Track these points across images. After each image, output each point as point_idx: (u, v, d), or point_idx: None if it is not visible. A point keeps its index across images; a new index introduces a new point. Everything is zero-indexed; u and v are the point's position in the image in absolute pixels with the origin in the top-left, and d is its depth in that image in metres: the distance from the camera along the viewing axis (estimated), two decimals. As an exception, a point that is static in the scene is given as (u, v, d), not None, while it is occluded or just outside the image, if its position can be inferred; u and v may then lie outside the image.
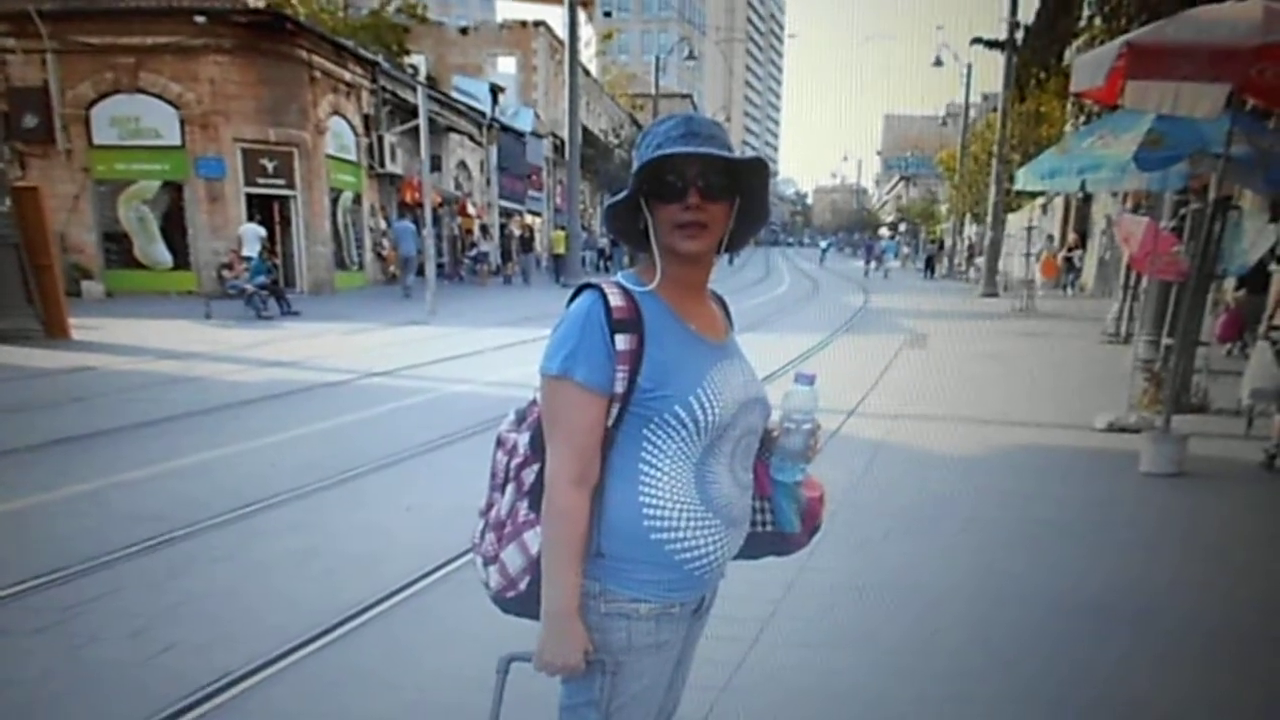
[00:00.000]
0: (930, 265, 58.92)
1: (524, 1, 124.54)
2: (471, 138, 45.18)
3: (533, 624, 2.40)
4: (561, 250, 40.86)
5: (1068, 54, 28.92)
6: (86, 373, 14.93)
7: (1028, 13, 37.03)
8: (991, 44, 37.47)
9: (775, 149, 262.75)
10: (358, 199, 34.91)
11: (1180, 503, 8.44)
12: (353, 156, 34.18)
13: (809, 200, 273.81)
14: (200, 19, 27.71)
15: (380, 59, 36.25)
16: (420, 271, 28.46)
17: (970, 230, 63.77)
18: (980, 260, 43.39)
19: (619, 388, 2.30)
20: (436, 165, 37.55)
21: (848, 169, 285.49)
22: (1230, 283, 16.63)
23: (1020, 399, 13.86)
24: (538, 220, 56.18)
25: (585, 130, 50.61)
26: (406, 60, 46.42)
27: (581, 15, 45.79)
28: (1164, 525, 7.77)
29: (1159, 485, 8.96)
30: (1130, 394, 11.92)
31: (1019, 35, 36.41)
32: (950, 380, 15.65)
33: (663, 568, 2.37)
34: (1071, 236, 39.56)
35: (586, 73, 66.27)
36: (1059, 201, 42.97)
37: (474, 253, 41.22)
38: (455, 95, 44.78)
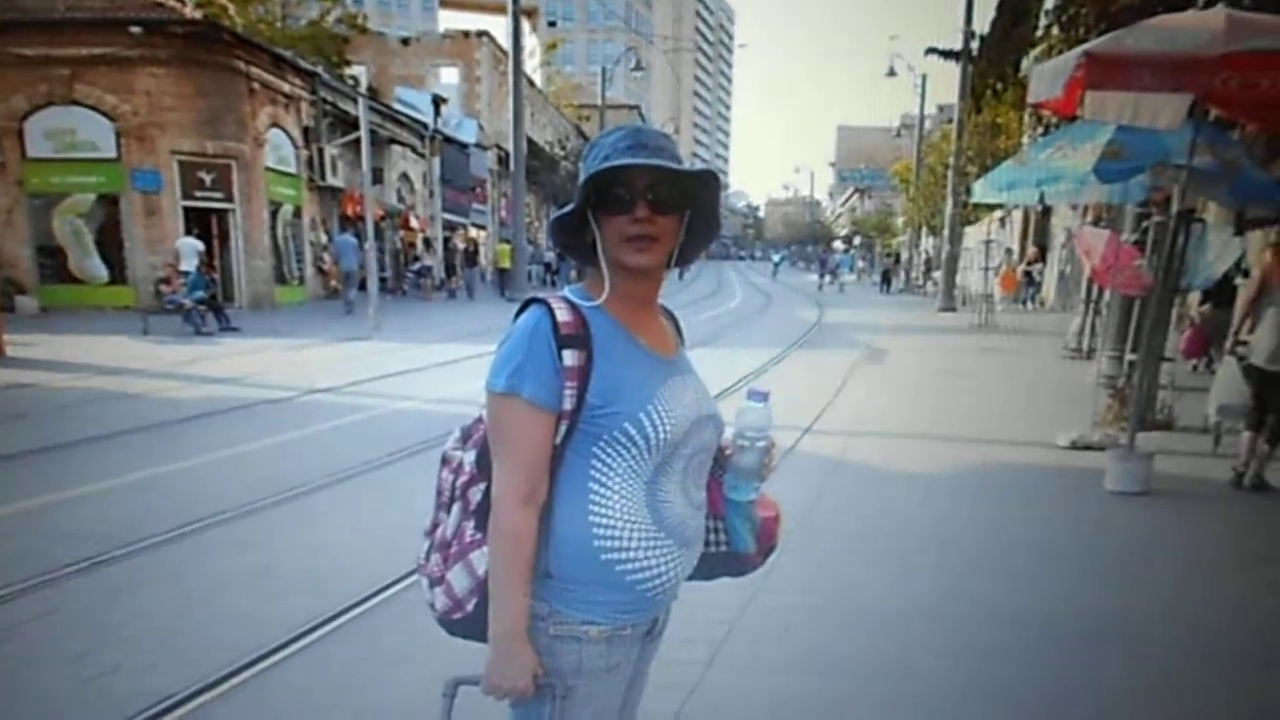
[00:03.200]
0: (886, 279, 59.02)
1: (466, 11, 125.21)
2: (414, 150, 45.14)
3: (481, 646, 2.39)
4: (507, 264, 40.75)
5: (1024, 64, 29.06)
6: (21, 390, 14.79)
7: (983, 22, 37.15)
8: (946, 54, 37.48)
9: (726, 161, 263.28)
10: (298, 212, 34.73)
11: (1147, 521, 8.48)
12: (292, 169, 34.05)
13: (761, 213, 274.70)
14: (136, 30, 27.53)
15: (320, 70, 36.24)
16: (362, 286, 28.27)
17: (927, 244, 64.27)
18: (938, 274, 43.55)
19: (567, 404, 2.30)
20: (378, 178, 37.32)
21: (800, 181, 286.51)
22: (1195, 297, 16.75)
23: (981, 416, 13.90)
24: (482, 234, 55.94)
25: (530, 142, 50.71)
26: (347, 71, 46.49)
27: (525, 25, 45.88)
28: (1130, 544, 7.80)
29: (1124, 504, 9.01)
30: (1094, 411, 12.01)
31: (974, 45, 36.49)
32: (909, 396, 15.73)
33: (614, 589, 2.36)
34: (1031, 250, 39.88)
35: (531, 83, 66.24)
36: (1018, 214, 43.32)
37: (417, 267, 41.25)
38: (397, 106, 44.75)
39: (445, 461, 2.60)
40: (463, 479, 2.51)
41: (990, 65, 34.47)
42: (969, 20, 36.72)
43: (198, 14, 32.10)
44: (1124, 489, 9.24)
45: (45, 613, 5.95)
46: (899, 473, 10.34)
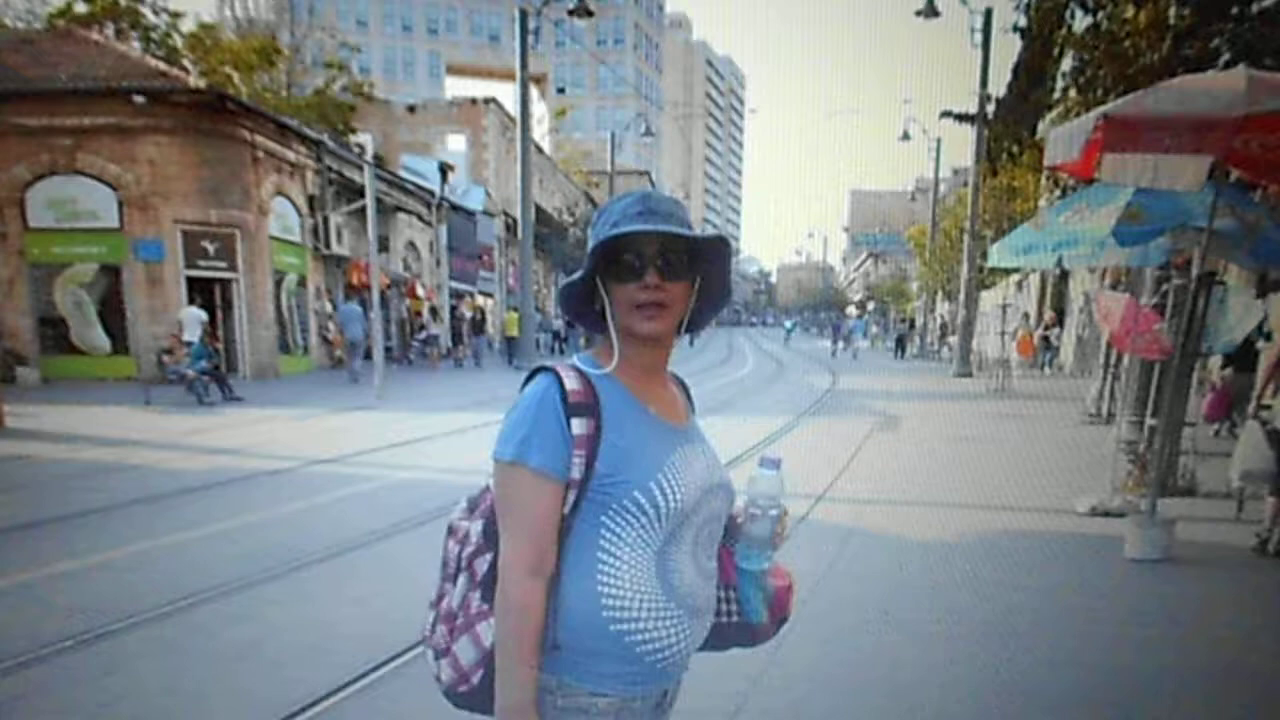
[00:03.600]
0: (901, 345, 59.05)
1: (474, 78, 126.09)
2: (420, 217, 45.25)
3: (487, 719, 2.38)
4: (515, 332, 40.69)
5: (1041, 126, 29.14)
6: (21, 461, 14.81)
7: (999, 85, 37.19)
8: (961, 117, 37.27)
9: (737, 226, 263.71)
10: (302, 281, 34.79)
11: (1168, 589, 8.42)
12: (297, 238, 34.15)
13: (773, 278, 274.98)
14: (140, 99, 27.64)
15: (325, 138, 36.32)
16: (368, 355, 28.36)
17: (942, 308, 64.19)
18: (953, 339, 43.50)
19: (575, 474, 2.31)
20: (384, 246, 37.57)
21: (813, 246, 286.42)
22: (1216, 360, 16.69)
23: (998, 482, 13.84)
24: (490, 301, 56.11)
25: (538, 208, 50.75)
26: (353, 139, 46.53)
27: (534, 91, 46.10)
28: (1151, 613, 7.75)
29: (1145, 571, 8.94)
30: (1113, 476, 11.94)
31: (990, 108, 36.32)
32: (924, 464, 15.68)
33: (623, 660, 2.35)
34: (1048, 314, 39.78)
35: (539, 150, 66.39)
36: (1035, 278, 43.26)
37: (423, 335, 41.15)
38: (403, 174, 44.97)
39: (451, 532, 2.59)
40: (469, 549, 2.51)
41: (1006, 128, 34.54)
42: (984, 83, 36.40)
43: (202, 83, 32.33)
44: (1145, 556, 9.17)
45: (38, 688, 5.92)
46: (914, 541, 10.29)
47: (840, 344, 59.46)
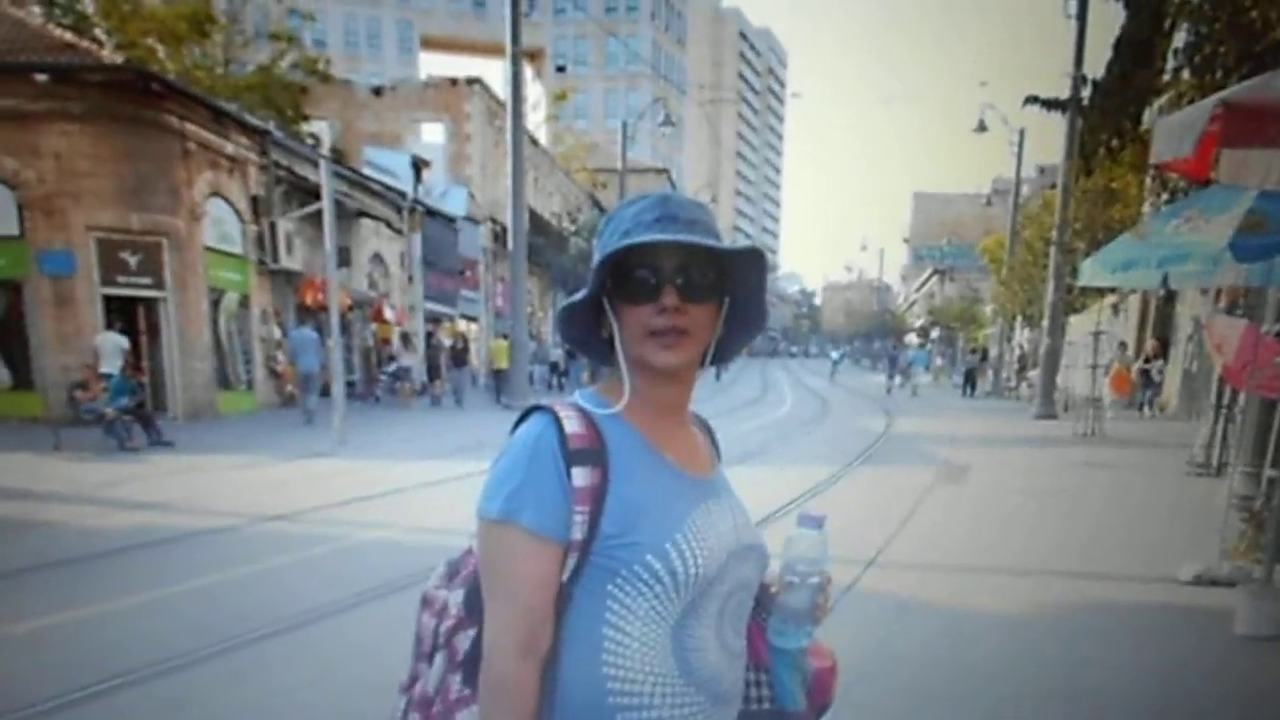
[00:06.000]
0: (970, 380, 58.87)
1: (454, 54, 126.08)
2: (389, 224, 45.06)
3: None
4: (503, 364, 40.61)
5: (1147, 115, 29.00)
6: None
7: (1096, 64, 36.88)
8: (1050, 104, 37.04)
9: (775, 236, 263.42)
10: (245, 301, 34.62)
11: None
12: (238, 248, 33.84)
13: (817, 300, 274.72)
14: (41, 78, 26.93)
15: (272, 127, 36.15)
16: (325, 391, 28.35)
17: (1021, 336, 64.02)
18: (1034, 374, 43.39)
19: (577, 534, 2.28)
20: (345, 259, 37.46)
21: (866, 261, 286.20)
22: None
23: (1084, 545, 13.77)
24: (473, 327, 56.15)
25: (533, 214, 50.87)
26: (306, 128, 46.56)
27: (528, 70, 46.03)
28: (1265, 700, 7.75)
29: (1260, 650, 8.92)
30: (1223, 538, 11.91)
31: (1085, 92, 36.08)
32: (995, 523, 15.67)
33: (633, 757, 2.32)
34: (1150, 344, 39.49)
35: (535, 142, 66.48)
36: (1134, 300, 42.98)
37: (393, 367, 41.04)
38: (368, 171, 44.92)
39: (427, 603, 2.59)
40: (448, 624, 2.49)
41: (1104, 117, 34.20)
42: (1079, 63, 36.22)
43: (119, 58, 31.74)
44: (1259, 632, 9.13)
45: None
46: (982, 614, 10.30)
47: (897, 379, 59.38)
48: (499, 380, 41.79)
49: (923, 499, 17.49)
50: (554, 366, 51.65)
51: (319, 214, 27.34)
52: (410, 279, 48.38)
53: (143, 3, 47.77)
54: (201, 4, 48.76)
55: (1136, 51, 28.88)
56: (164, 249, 29.69)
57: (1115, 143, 33.83)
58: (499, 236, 55.47)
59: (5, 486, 17.30)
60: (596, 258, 2.37)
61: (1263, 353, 10.61)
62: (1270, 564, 9.44)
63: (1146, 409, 37.44)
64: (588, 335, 2.48)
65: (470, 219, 54.97)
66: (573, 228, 65.40)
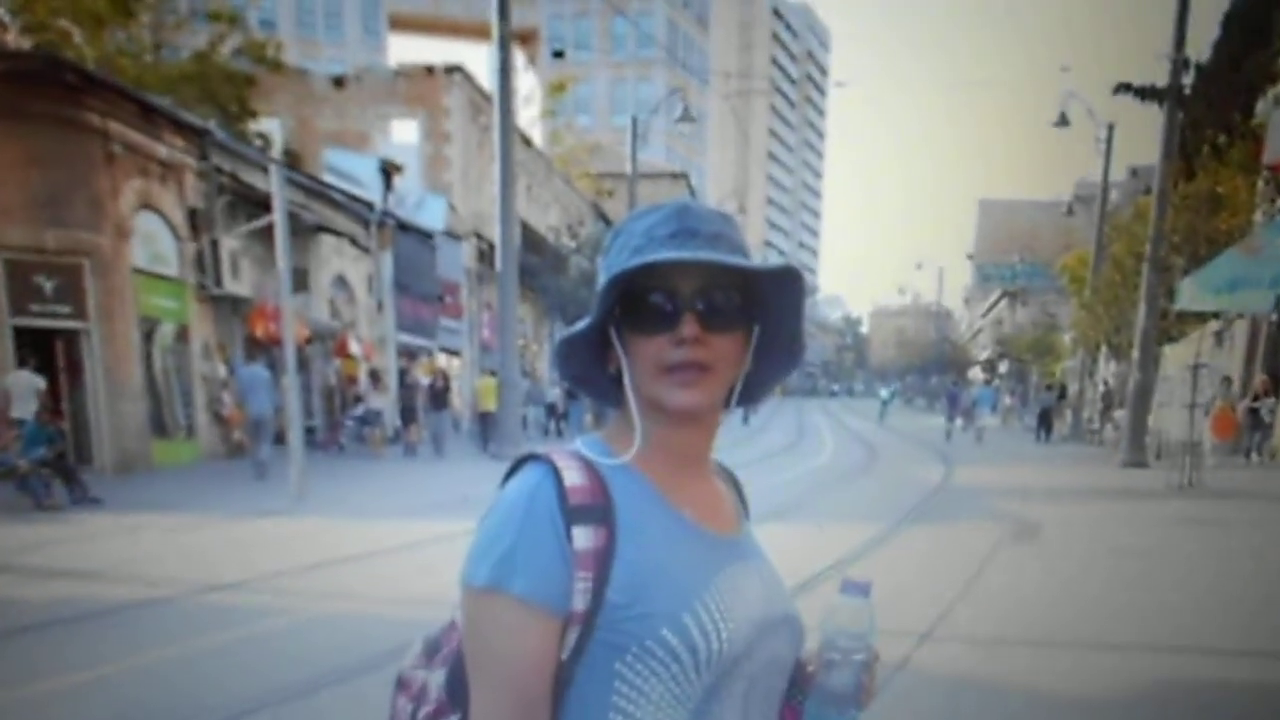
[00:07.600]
0: (1046, 422, 58.62)
1: (430, 35, 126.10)
2: (354, 241, 44.75)
3: None
4: (491, 406, 40.62)
5: (1260, 107, 28.93)
6: None
7: (1200, 46, 36.49)
8: (1145, 93, 36.40)
9: (814, 253, 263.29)
10: (183, 333, 34.38)
11: None
12: (174, 270, 33.39)
13: (864, 328, 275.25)
14: None
15: (212, 125, 35.61)
16: (279, 439, 28.35)
17: (1107, 370, 63.94)
18: (1121, 414, 43.29)
19: (579, 604, 2.21)
20: (302, 283, 37.41)
21: (922, 282, 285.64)
22: None
23: (1179, 615, 13.79)
24: (455, 362, 56.06)
25: (526, 228, 50.84)
26: (253, 127, 46.30)
27: (519, 56, 45.84)
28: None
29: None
30: (1343, 609, 11.95)
31: (1187, 80, 34.57)
32: (1073, 589, 15.68)
33: None
34: (1259, 379, 39.26)
35: (527, 142, 66.48)
36: (1242, 327, 42.77)
37: (360, 411, 41.12)
38: (329, 177, 44.72)
39: (403, 686, 2.58)
40: (427, 710, 2.49)
41: (1210, 109, 34.00)
42: (1180, 44, 34.41)
43: (25, 43, 31.28)
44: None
45: None
46: (1054, 696, 10.29)
47: (959, 421, 59.41)
48: (485, 425, 41.90)
49: (987, 562, 17.51)
50: (551, 409, 51.77)
51: (269, 229, 26.89)
52: (380, 306, 48.13)
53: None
54: (125, -24, 47.54)
55: (1250, 29, 28.73)
56: (85, 272, 29.15)
57: (1222, 139, 33.69)
58: (485, 255, 55.40)
59: (-96, 553, 17.35)
60: (602, 279, 2.34)
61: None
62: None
63: (1255, 455, 37.27)
64: (591, 371, 2.46)
65: (450, 234, 54.65)
66: (573, 244, 65.16)
